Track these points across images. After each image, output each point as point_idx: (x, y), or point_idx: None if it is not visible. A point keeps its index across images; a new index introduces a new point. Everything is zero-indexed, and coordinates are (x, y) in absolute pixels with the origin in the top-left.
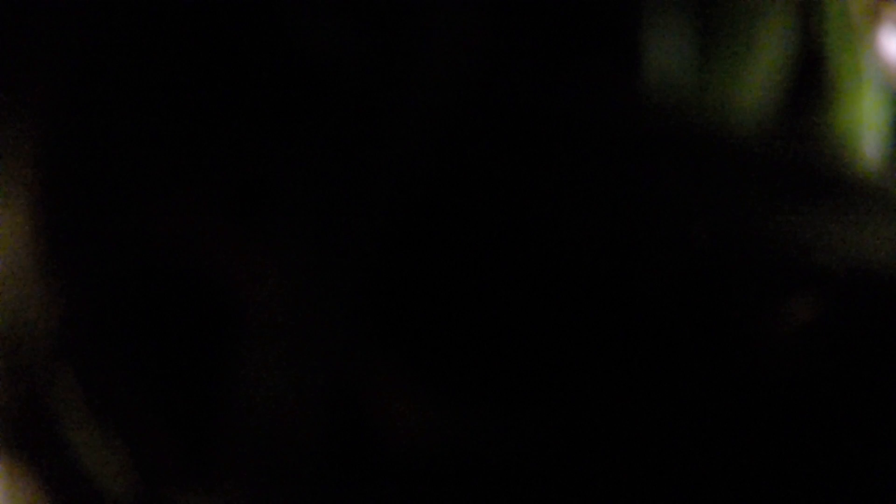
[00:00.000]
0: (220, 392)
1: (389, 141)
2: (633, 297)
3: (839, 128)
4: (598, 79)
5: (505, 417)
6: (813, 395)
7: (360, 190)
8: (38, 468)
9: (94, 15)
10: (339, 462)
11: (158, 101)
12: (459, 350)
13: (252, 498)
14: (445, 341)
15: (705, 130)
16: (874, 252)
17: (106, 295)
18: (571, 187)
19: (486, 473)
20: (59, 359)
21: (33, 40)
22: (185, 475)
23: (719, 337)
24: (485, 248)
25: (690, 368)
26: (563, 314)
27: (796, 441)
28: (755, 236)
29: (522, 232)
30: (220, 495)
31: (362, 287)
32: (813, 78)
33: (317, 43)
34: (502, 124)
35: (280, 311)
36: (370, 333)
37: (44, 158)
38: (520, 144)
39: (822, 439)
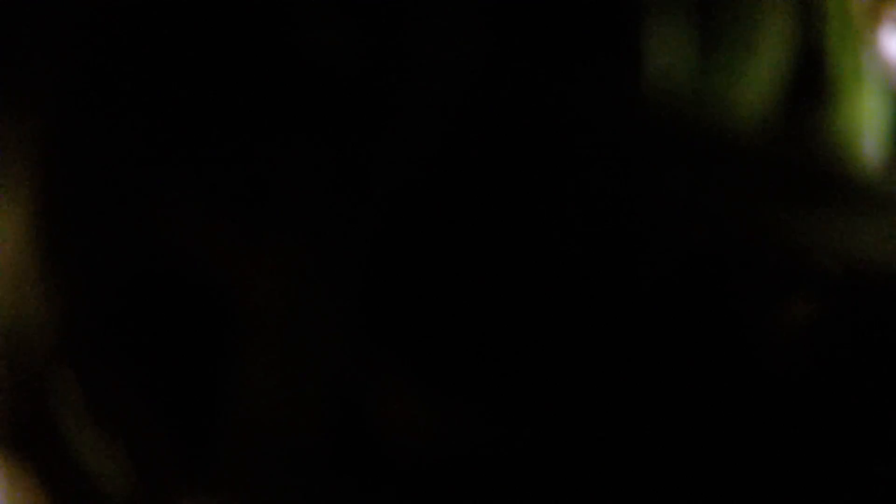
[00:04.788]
0: (219, 393)
1: (389, 143)
2: (633, 297)
3: (839, 128)
4: (598, 79)
5: (503, 418)
6: (812, 394)
7: (358, 192)
8: (38, 468)
9: (94, 16)
10: (338, 463)
11: (158, 102)
12: (458, 351)
13: (252, 498)
14: (444, 342)
15: (705, 130)
16: (874, 252)
17: (106, 296)
18: (571, 187)
19: (485, 474)
20: (60, 360)
21: (35, 41)
22: (185, 475)
23: (719, 336)
24: (484, 248)
25: (690, 368)
26: (563, 314)
27: (796, 440)
28: (755, 236)
29: (521, 233)
30: (220, 496)
31: (361, 288)
32: (813, 78)
33: (318, 44)
34: (502, 124)
35: (280, 313)
36: (369, 335)
37: (44, 159)
38: (520, 144)
39: (822, 438)
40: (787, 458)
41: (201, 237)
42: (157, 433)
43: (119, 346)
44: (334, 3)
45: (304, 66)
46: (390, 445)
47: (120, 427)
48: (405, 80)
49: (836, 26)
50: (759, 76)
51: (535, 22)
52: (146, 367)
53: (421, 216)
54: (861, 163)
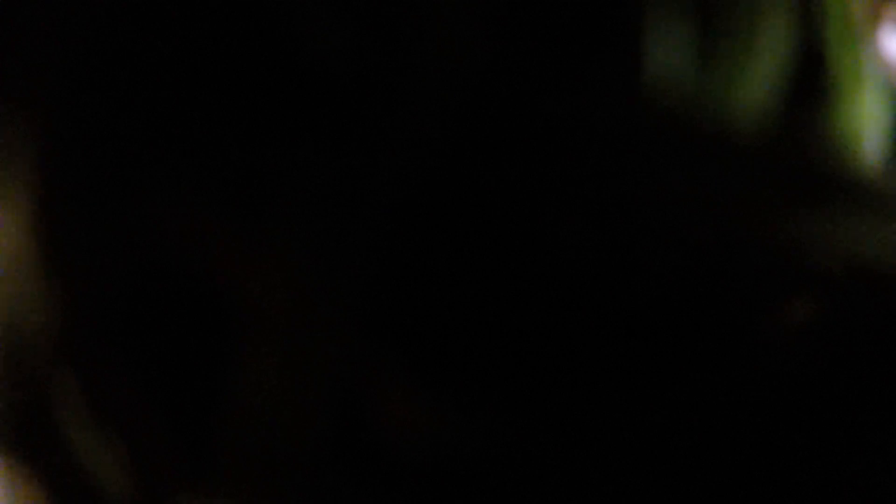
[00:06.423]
0: (220, 393)
1: (390, 144)
2: (634, 298)
3: (839, 128)
4: (598, 79)
5: (504, 417)
6: (812, 394)
7: (360, 192)
8: (38, 468)
9: (94, 17)
10: (338, 462)
11: (159, 103)
12: (460, 350)
13: (252, 498)
14: (446, 343)
15: (705, 131)
16: (874, 252)
17: (107, 296)
18: (571, 188)
19: (486, 473)
20: (60, 360)
21: (34, 42)
22: (185, 475)
23: (719, 337)
24: (485, 249)
25: (690, 369)
26: (563, 314)
27: (795, 440)
28: (755, 236)
29: (522, 234)
30: (221, 496)
31: (363, 288)
32: (813, 78)
33: (318, 45)
34: (503, 125)
35: (281, 313)
36: (370, 334)
37: (45, 159)
38: (520, 145)
39: (821, 438)
40: (786, 457)
41: (202, 237)
42: (157, 433)
43: (119, 346)
44: (336, 5)
45: (306, 66)
46: (391, 445)
47: (120, 427)
48: (406, 80)
49: (836, 26)
50: (759, 76)
51: (536, 22)
52: (146, 367)
53: (422, 216)
54: (861, 163)
